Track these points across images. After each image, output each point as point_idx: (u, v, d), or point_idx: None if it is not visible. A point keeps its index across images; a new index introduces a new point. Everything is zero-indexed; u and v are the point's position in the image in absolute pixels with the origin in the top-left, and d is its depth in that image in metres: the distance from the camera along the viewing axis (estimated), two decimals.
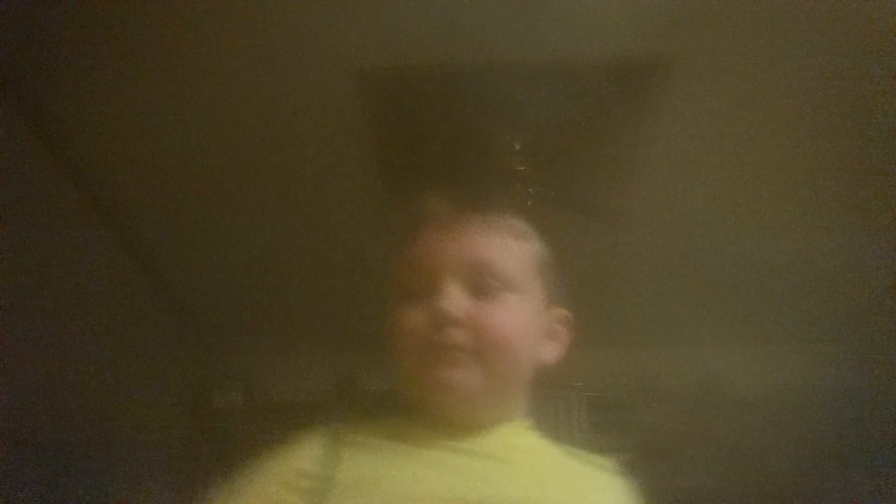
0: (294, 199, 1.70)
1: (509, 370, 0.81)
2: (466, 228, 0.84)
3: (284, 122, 1.46)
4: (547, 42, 1.27)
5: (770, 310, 2.11)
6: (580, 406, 2.27)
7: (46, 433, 1.59)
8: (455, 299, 0.79)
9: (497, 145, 1.51)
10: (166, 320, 2.14)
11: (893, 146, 1.46)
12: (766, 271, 1.90)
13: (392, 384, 0.85)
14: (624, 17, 1.21)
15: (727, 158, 1.53)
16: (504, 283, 0.81)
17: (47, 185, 1.50)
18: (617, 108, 1.39)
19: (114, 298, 1.79)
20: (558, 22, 1.23)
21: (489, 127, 1.47)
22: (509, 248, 0.85)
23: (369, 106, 1.41)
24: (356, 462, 0.75)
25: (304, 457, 0.76)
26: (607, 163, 1.55)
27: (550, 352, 0.87)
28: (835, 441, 2.13)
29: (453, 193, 0.88)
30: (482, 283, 0.81)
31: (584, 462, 0.88)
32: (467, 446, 0.79)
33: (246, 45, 1.29)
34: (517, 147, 1.50)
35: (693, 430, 2.22)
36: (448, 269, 0.81)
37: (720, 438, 2.20)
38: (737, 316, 2.11)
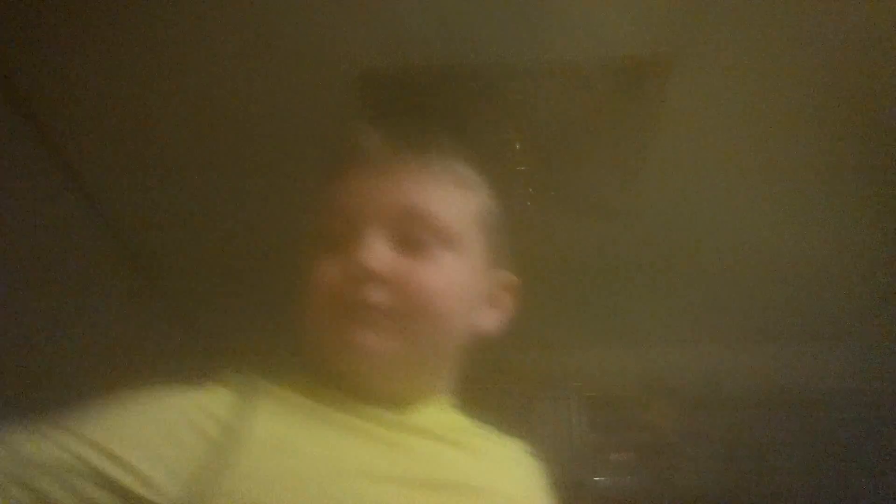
0: (294, 200, 1.70)
1: (435, 339, 0.68)
2: (400, 170, 0.70)
3: (285, 123, 1.46)
4: (547, 42, 1.27)
5: (770, 309, 2.11)
6: (580, 406, 2.27)
7: None
8: (377, 252, 0.66)
9: (497, 145, 1.51)
10: (166, 321, 2.14)
11: (895, 146, 1.46)
12: (766, 270, 1.90)
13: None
14: (624, 17, 1.21)
15: (728, 158, 1.53)
16: (438, 237, 0.68)
17: (47, 185, 1.50)
18: (617, 108, 1.39)
19: (114, 299, 1.79)
20: (558, 22, 1.23)
21: (489, 127, 1.46)
22: (449, 197, 0.70)
23: (370, 106, 1.41)
24: (272, 418, 0.62)
25: (216, 400, 0.62)
26: (607, 162, 1.55)
27: (490, 320, 0.75)
28: (835, 441, 2.13)
29: (392, 132, 0.73)
30: (412, 236, 0.67)
31: (502, 442, 0.76)
32: (393, 419, 0.66)
33: (246, 44, 1.29)
34: (517, 147, 1.50)
35: (693, 430, 2.22)
36: (373, 217, 0.67)
37: (720, 438, 2.20)
38: (737, 315, 2.11)
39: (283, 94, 1.39)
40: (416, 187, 0.69)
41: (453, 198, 0.71)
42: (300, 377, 0.69)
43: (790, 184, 1.62)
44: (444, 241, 0.69)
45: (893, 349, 2.11)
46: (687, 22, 1.22)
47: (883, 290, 1.98)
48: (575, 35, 1.25)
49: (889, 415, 2.08)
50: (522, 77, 1.33)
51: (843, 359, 2.22)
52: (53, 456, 0.55)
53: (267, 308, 2.14)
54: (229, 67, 1.33)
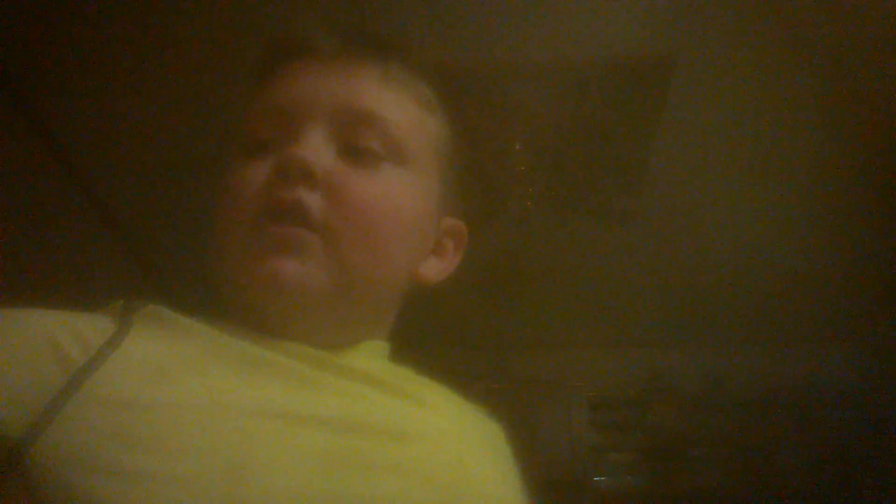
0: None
1: (370, 269, 0.56)
2: (350, 65, 0.59)
3: None
4: (547, 42, 1.27)
5: (770, 310, 2.11)
6: (580, 406, 2.27)
7: None
8: (315, 148, 0.54)
9: (497, 146, 1.51)
10: None
11: (895, 146, 1.46)
12: (766, 271, 1.90)
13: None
14: (625, 19, 1.21)
15: (728, 158, 1.53)
16: (387, 147, 0.57)
17: (47, 185, 1.50)
18: (618, 109, 1.39)
19: (114, 299, 1.79)
20: (559, 22, 1.23)
21: (489, 127, 1.46)
22: (405, 108, 0.60)
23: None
24: (152, 344, 0.50)
25: (92, 324, 0.51)
26: (607, 163, 1.55)
27: (431, 269, 0.63)
28: (836, 441, 2.13)
29: (343, 26, 0.61)
30: (358, 142, 0.57)
31: (450, 396, 0.62)
32: (314, 355, 0.54)
33: (246, 45, 1.29)
34: (517, 147, 1.50)
35: (694, 430, 2.21)
36: (315, 115, 0.56)
37: (721, 438, 2.20)
38: (738, 316, 2.11)
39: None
40: (370, 89, 0.59)
41: (408, 109, 0.61)
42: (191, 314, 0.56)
43: (790, 185, 1.62)
44: (394, 153, 0.58)
45: (893, 349, 2.11)
46: (688, 23, 1.22)
47: (883, 290, 1.98)
48: (576, 36, 1.25)
49: (889, 415, 2.08)
50: (522, 77, 1.33)
51: (843, 359, 2.21)
52: None
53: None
54: (229, 68, 1.33)
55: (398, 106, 0.60)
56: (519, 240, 1.71)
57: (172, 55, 1.30)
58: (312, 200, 0.53)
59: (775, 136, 1.47)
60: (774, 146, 1.49)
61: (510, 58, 1.30)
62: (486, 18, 1.22)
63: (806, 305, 2.08)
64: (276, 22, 1.24)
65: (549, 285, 1.98)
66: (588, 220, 1.68)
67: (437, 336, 1.91)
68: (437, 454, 0.53)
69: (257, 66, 0.63)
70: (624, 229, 1.73)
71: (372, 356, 0.59)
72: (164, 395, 0.47)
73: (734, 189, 1.63)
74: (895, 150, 1.47)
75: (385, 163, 0.57)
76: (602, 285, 1.99)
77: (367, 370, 0.55)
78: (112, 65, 1.31)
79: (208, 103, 1.41)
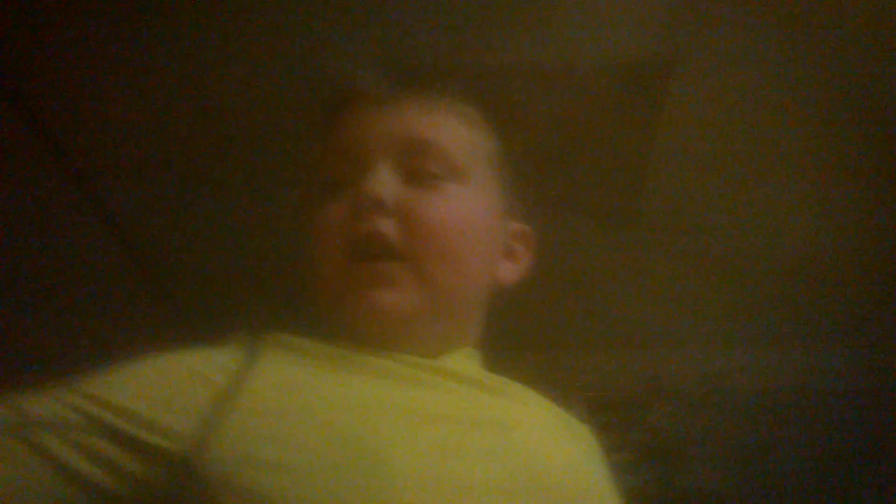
0: (295, 202, 1.70)
1: (453, 282, 0.63)
2: (406, 103, 0.67)
3: (285, 125, 1.46)
4: (547, 43, 1.27)
5: (770, 310, 2.11)
6: (580, 406, 2.26)
7: None
8: (384, 181, 0.62)
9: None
10: (166, 323, 2.14)
11: (895, 146, 1.46)
12: (767, 271, 1.90)
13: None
14: (625, 19, 1.21)
15: (729, 158, 1.53)
16: (448, 169, 0.65)
17: (47, 184, 1.50)
18: (618, 110, 1.39)
19: (113, 300, 1.79)
20: (559, 23, 1.23)
21: (489, 128, 1.46)
22: (454, 131, 0.68)
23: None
24: (281, 362, 0.58)
25: (225, 353, 0.60)
26: (608, 164, 1.56)
27: (507, 272, 0.71)
28: (836, 442, 2.13)
29: (395, 69, 0.72)
30: (419, 168, 0.64)
31: (542, 400, 0.72)
32: (419, 361, 0.61)
33: (246, 46, 1.29)
34: (517, 147, 1.50)
35: (694, 431, 2.21)
36: (379, 152, 0.64)
37: (721, 439, 2.20)
38: (738, 316, 2.11)
39: (283, 96, 1.39)
40: (422, 120, 0.66)
41: (458, 132, 0.68)
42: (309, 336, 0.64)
43: (791, 185, 1.62)
44: (451, 172, 0.65)
45: (893, 349, 2.11)
46: (688, 23, 1.22)
47: (883, 290, 1.98)
48: (576, 36, 1.25)
49: (889, 415, 2.08)
50: (522, 77, 1.33)
51: (843, 359, 2.22)
52: (58, 413, 0.53)
53: (277, 310, 2.14)
54: (229, 68, 1.33)
55: (449, 130, 0.67)
56: None
57: (173, 57, 1.30)
58: (388, 227, 0.60)
59: (776, 137, 1.47)
60: (775, 147, 1.49)
61: (510, 58, 1.30)
62: (486, 18, 1.22)
63: (807, 306, 2.09)
64: (275, 24, 1.24)
65: (548, 286, 1.97)
66: (588, 220, 1.68)
67: None
68: (532, 441, 0.59)
69: (321, 115, 0.71)
70: (624, 230, 1.73)
71: (466, 361, 0.66)
72: (302, 400, 0.54)
73: (734, 190, 1.63)
74: (895, 150, 1.48)
75: (446, 183, 0.64)
76: (602, 286, 1.99)
77: (465, 372, 0.62)
78: (113, 64, 1.31)
79: (210, 105, 1.41)
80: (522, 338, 2.25)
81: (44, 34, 1.23)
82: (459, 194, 0.65)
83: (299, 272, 0.69)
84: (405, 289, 0.60)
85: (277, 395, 0.54)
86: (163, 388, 0.56)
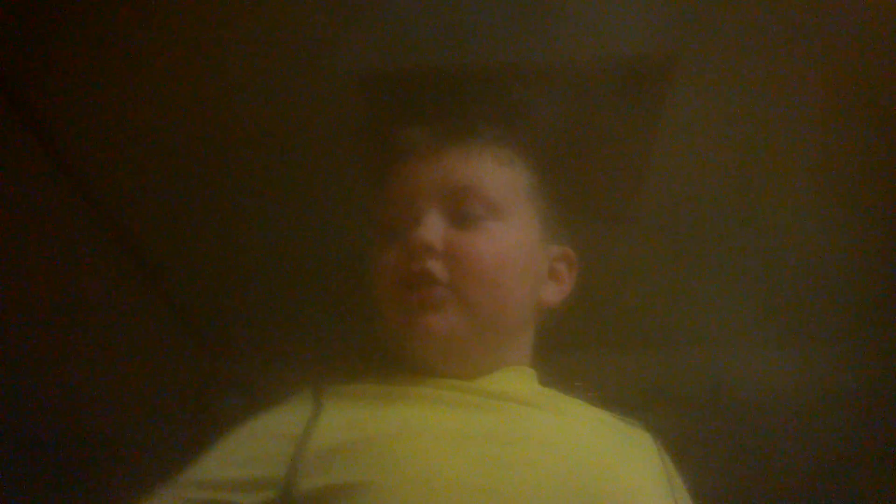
0: (295, 202, 1.70)
1: (496, 309, 0.73)
2: (446, 155, 0.78)
3: (285, 125, 1.46)
4: (547, 42, 1.27)
5: (772, 311, 2.11)
6: None
7: (45, 435, 1.58)
8: (431, 227, 0.72)
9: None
10: (167, 323, 2.14)
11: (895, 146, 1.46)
12: (770, 273, 1.90)
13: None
14: (626, 17, 1.21)
15: (729, 159, 1.54)
16: (488, 209, 0.74)
17: (47, 186, 1.50)
18: (619, 109, 1.39)
19: (114, 300, 1.79)
20: (559, 22, 1.23)
21: (489, 127, 1.46)
22: (492, 173, 0.78)
23: (371, 109, 1.41)
24: (338, 408, 0.68)
25: (290, 409, 0.71)
26: (609, 163, 1.56)
27: (552, 293, 0.82)
28: (836, 442, 2.13)
29: (433, 126, 0.81)
30: (463, 211, 0.74)
31: (596, 411, 0.82)
32: (467, 385, 0.70)
33: (246, 46, 1.29)
34: (517, 147, 1.50)
35: (695, 432, 2.21)
36: (426, 200, 0.74)
37: (722, 440, 2.20)
38: (741, 318, 2.11)
39: (283, 96, 1.39)
40: (462, 167, 0.76)
41: (496, 173, 0.78)
42: (363, 375, 0.74)
43: (792, 185, 1.62)
44: (493, 212, 0.74)
45: (893, 349, 2.11)
46: (689, 22, 1.22)
47: (883, 290, 1.98)
48: (576, 35, 1.25)
49: (889, 415, 2.08)
50: (522, 78, 1.33)
51: (844, 360, 2.21)
52: None
53: (278, 310, 2.14)
54: (229, 68, 1.33)
55: (487, 174, 0.77)
56: None
57: (173, 57, 1.30)
58: (437, 267, 0.70)
59: (778, 138, 1.47)
60: (777, 148, 1.49)
61: (509, 58, 1.30)
62: (487, 18, 1.22)
63: (806, 308, 2.09)
64: (276, 24, 1.24)
65: None
66: (589, 220, 1.68)
67: None
68: (579, 453, 0.66)
69: (372, 170, 0.87)
70: (626, 230, 1.73)
71: (516, 379, 0.75)
72: (363, 433, 0.63)
73: (735, 191, 1.64)
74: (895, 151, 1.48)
75: (487, 222, 0.73)
76: (601, 287, 1.99)
77: (509, 390, 0.70)
78: (113, 66, 1.31)
79: (210, 106, 1.41)
80: None
81: (46, 34, 1.23)
82: (500, 230, 0.74)
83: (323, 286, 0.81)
84: (450, 312, 0.69)
85: (343, 433, 0.64)
86: (250, 449, 0.67)
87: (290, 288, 2.10)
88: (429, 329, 0.69)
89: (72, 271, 1.60)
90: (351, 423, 0.65)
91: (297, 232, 1.83)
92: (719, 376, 2.26)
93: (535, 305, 0.80)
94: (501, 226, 0.74)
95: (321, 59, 1.30)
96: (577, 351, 2.39)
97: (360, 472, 0.60)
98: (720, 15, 1.21)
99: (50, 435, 1.59)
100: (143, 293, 1.96)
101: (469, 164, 0.77)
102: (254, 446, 0.68)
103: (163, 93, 1.37)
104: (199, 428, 2.35)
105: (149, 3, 1.20)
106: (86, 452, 1.69)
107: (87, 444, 1.70)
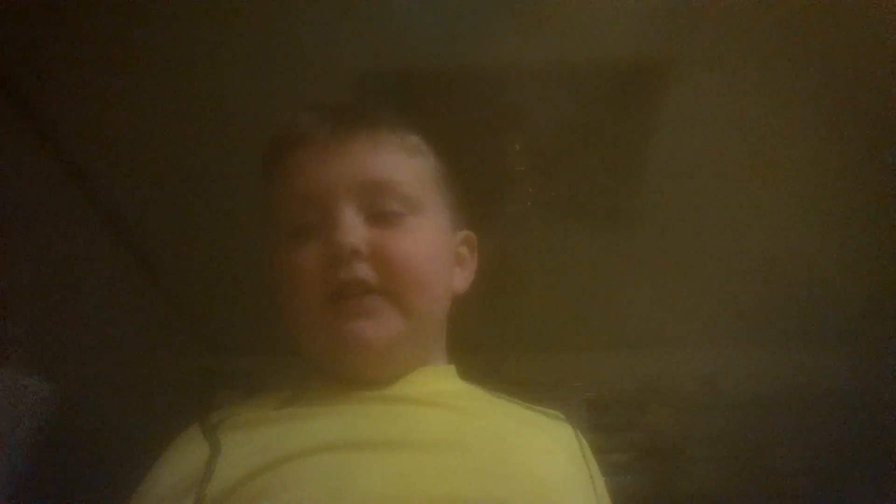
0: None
1: (426, 307, 0.68)
2: (352, 144, 0.69)
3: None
4: (546, 43, 1.27)
5: (771, 311, 2.11)
6: (580, 406, 2.27)
7: (45, 434, 1.58)
8: (353, 228, 0.65)
9: (496, 146, 1.51)
10: (167, 321, 2.14)
11: (895, 146, 1.46)
12: (766, 272, 1.90)
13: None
14: (624, 19, 1.21)
15: (727, 159, 1.54)
16: (406, 204, 0.68)
17: (47, 185, 1.50)
18: (617, 109, 1.39)
19: (114, 299, 1.79)
20: (558, 22, 1.23)
21: (489, 127, 1.47)
22: (405, 164, 0.71)
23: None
24: (235, 441, 0.64)
25: (184, 455, 0.66)
26: (607, 164, 1.56)
27: (459, 280, 0.75)
28: (835, 443, 2.13)
29: (334, 111, 0.73)
30: (381, 208, 0.67)
31: (524, 407, 0.75)
32: (378, 394, 0.66)
33: (246, 46, 1.29)
34: (517, 147, 1.50)
35: (693, 432, 2.21)
36: (338, 195, 0.66)
37: (720, 440, 2.20)
38: (737, 317, 2.11)
39: (284, 97, 1.39)
40: (375, 160, 0.69)
41: (409, 164, 0.71)
42: (263, 398, 0.71)
43: (790, 186, 1.62)
44: (410, 206, 0.69)
45: (893, 349, 2.11)
46: (687, 24, 1.22)
47: (882, 291, 1.98)
48: (575, 36, 1.25)
49: (889, 415, 2.08)
50: (522, 78, 1.34)
51: (842, 359, 2.22)
52: None
53: (268, 309, 2.14)
54: (229, 68, 1.33)
55: (401, 165, 0.70)
56: (517, 241, 1.71)
57: (174, 56, 1.30)
58: (365, 271, 0.64)
59: (775, 139, 1.47)
60: (774, 148, 1.49)
61: (508, 58, 1.30)
62: (486, 18, 1.22)
63: (805, 307, 2.09)
64: (275, 25, 1.24)
65: (546, 287, 1.98)
66: (586, 221, 1.68)
67: None
68: (492, 455, 0.62)
69: (266, 158, 0.75)
70: (621, 231, 1.73)
71: (432, 380, 0.70)
72: (267, 458, 0.59)
73: (732, 191, 1.64)
74: (895, 151, 1.48)
75: (407, 217, 0.68)
76: (600, 287, 1.99)
77: (421, 393, 0.66)
78: (114, 66, 1.31)
79: (210, 106, 1.41)
80: (520, 339, 2.26)
81: (46, 34, 1.24)
82: (420, 225, 0.69)
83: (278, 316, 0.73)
84: (384, 318, 0.65)
85: (244, 465, 0.60)
86: (164, 497, 0.62)
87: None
88: (363, 338, 0.64)
89: (72, 268, 1.61)
90: (251, 454, 0.61)
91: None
92: (716, 376, 2.27)
93: (449, 295, 0.74)
94: (420, 220, 0.69)
95: (321, 59, 1.30)
96: (575, 351, 2.40)
97: (267, 501, 0.56)
98: (715, 18, 1.21)
99: (49, 432, 1.59)
100: (144, 291, 1.96)
101: (380, 155, 0.69)
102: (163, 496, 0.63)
103: (162, 92, 1.37)
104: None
105: (149, 2, 1.20)
106: (85, 449, 1.69)
107: (87, 440, 1.70)
